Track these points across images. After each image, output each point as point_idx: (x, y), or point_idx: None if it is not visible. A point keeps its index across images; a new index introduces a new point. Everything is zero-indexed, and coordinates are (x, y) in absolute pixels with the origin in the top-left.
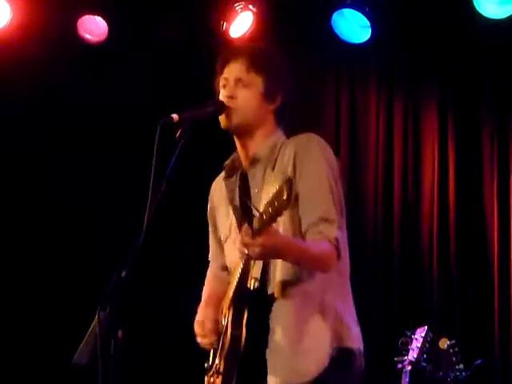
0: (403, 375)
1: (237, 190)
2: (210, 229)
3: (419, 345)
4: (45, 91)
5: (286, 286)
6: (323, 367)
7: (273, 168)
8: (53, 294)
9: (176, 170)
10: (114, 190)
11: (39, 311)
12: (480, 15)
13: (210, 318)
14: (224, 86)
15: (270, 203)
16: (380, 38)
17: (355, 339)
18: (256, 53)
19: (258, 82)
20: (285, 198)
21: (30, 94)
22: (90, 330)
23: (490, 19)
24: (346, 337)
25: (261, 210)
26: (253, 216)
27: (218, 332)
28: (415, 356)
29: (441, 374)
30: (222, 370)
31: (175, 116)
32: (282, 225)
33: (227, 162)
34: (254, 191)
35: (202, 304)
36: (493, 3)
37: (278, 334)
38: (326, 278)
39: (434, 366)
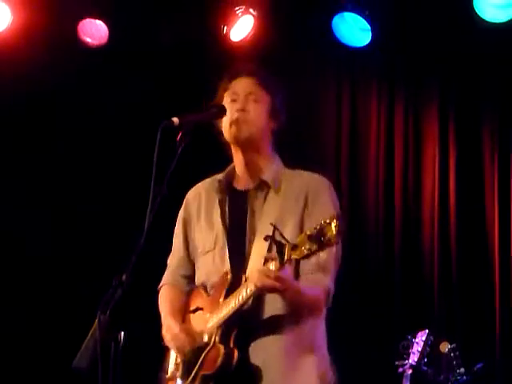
0: (404, 379)
1: (227, 208)
2: (181, 237)
3: (420, 348)
4: (45, 94)
5: (275, 316)
6: None
7: (276, 193)
8: (53, 297)
9: (177, 173)
10: (114, 192)
11: (40, 315)
12: (480, 18)
13: (176, 323)
14: (234, 100)
15: (310, 237)
16: (381, 42)
17: (335, 381)
18: (263, 72)
19: (266, 99)
20: (334, 233)
21: (31, 98)
22: (90, 333)
23: (491, 22)
24: (329, 378)
25: (296, 242)
26: (245, 238)
27: (192, 344)
28: (416, 360)
29: (441, 377)
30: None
31: (176, 119)
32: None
33: (221, 178)
34: (251, 214)
35: (167, 315)
36: (493, 7)
37: (266, 365)
38: (316, 320)
39: (434, 370)
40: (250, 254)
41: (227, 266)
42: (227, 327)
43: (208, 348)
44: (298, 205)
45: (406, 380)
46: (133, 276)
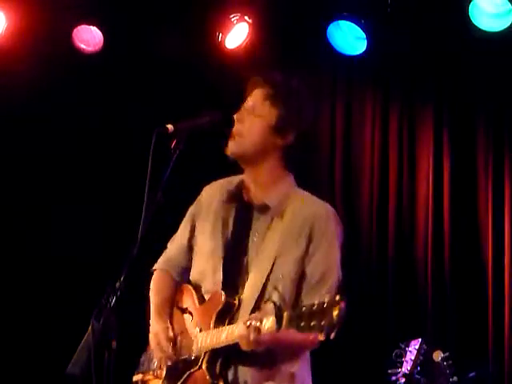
0: None
1: (232, 219)
2: (187, 227)
3: (413, 357)
4: (40, 100)
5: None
6: None
7: (281, 218)
8: (47, 304)
9: (171, 180)
10: (110, 199)
11: (33, 321)
12: (476, 27)
13: (164, 329)
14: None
15: (311, 314)
16: (376, 50)
17: None
18: (282, 84)
19: (271, 113)
20: (334, 322)
21: (25, 103)
22: (83, 340)
23: (486, 31)
24: None
25: (297, 313)
26: (244, 257)
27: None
28: (409, 368)
29: None
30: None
31: (170, 126)
32: (289, 282)
33: (231, 189)
34: (254, 234)
35: (154, 313)
36: (489, 16)
37: None
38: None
39: (427, 379)
40: (248, 275)
41: (219, 278)
42: (215, 354)
43: (194, 368)
44: (300, 240)
45: None
46: (126, 283)
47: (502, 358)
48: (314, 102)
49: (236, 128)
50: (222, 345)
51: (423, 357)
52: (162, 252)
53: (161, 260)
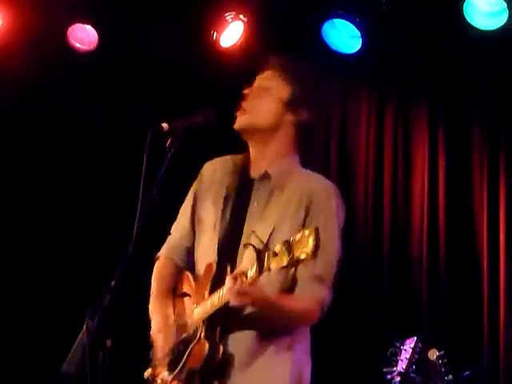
0: None
1: (233, 194)
2: (189, 208)
3: (408, 356)
4: (34, 99)
5: (255, 313)
6: None
7: (281, 191)
8: (46, 303)
9: (166, 178)
10: (106, 197)
11: (28, 320)
12: (471, 26)
13: (163, 316)
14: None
15: (289, 248)
16: (371, 49)
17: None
18: (295, 63)
19: (283, 88)
20: (310, 249)
21: (20, 102)
22: (78, 339)
23: (481, 30)
24: (304, 380)
25: (275, 250)
26: (242, 230)
27: (177, 330)
28: (404, 367)
29: None
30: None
31: (165, 125)
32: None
33: (236, 161)
34: (253, 203)
35: (155, 301)
36: (483, 15)
37: (241, 360)
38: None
39: (422, 377)
40: (245, 245)
41: (214, 253)
42: (212, 322)
43: (194, 342)
44: (298, 213)
45: None
46: (121, 282)
47: (498, 356)
48: (327, 83)
49: (246, 103)
50: (217, 307)
51: (418, 355)
52: (158, 249)
53: (165, 247)
